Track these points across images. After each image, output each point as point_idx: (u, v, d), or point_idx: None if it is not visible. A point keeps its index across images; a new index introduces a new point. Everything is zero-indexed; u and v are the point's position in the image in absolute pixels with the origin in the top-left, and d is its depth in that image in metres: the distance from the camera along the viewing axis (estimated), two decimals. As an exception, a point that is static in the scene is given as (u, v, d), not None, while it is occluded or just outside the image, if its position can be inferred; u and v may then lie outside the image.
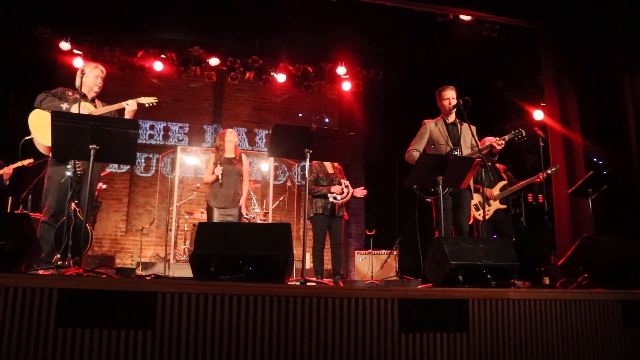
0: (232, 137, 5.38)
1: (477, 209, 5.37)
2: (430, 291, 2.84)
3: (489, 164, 4.78)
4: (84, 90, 4.04)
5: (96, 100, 4.23)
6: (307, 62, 8.74)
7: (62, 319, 2.29)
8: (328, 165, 5.58)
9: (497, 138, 4.57)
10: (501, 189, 5.56)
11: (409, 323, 2.64)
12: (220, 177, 5.15)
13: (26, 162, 5.90)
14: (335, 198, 5.33)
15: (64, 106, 3.95)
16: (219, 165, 5.20)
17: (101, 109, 4.10)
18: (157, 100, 4.27)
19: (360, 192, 5.57)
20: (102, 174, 6.19)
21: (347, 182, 5.48)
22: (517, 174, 5.97)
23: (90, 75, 4.11)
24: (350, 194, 5.43)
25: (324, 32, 7.61)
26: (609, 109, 5.78)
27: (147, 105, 4.23)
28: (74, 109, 3.88)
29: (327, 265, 5.68)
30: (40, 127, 3.84)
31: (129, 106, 4.07)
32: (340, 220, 5.46)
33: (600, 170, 5.07)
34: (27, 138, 3.95)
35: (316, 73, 8.87)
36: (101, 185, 6.84)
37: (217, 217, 5.19)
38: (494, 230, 5.52)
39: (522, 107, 7.77)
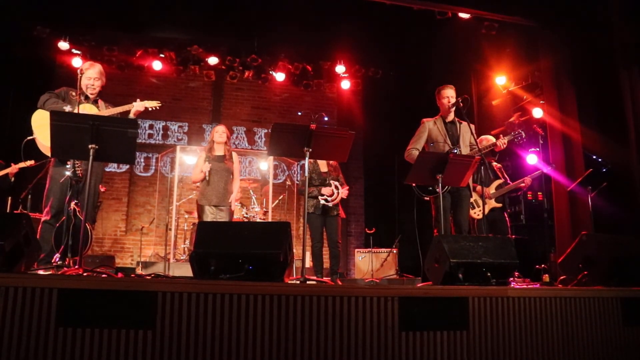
0: (218, 137, 5.30)
1: (473, 208, 5.37)
2: (431, 289, 2.85)
3: (488, 161, 4.78)
4: (83, 89, 4.03)
5: (99, 101, 4.19)
6: (306, 60, 8.73)
7: (62, 319, 2.29)
8: (322, 163, 5.55)
9: (500, 137, 4.59)
10: (497, 188, 5.57)
11: (409, 321, 2.64)
12: (207, 174, 5.11)
13: (28, 163, 5.91)
14: (326, 200, 5.34)
15: (67, 108, 3.92)
16: (207, 162, 5.16)
17: (104, 111, 4.08)
18: (160, 105, 4.28)
19: (345, 192, 5.55)
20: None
21: (337, 183, 5.46)
22: (518, 174, 5.98)
23: (84, 76, 4.05)
24: (339, 196, 5.43)
25: (322, 31, 7.60)
26: (607, 106, 5.77)
27: (150, 109, 4.24)
28: (76, 111, 3.86)
29: (327, 264, 5.67)
30: (43, 127, 3.82)
31: (136, 107, 4.09)
32: (335, 219, 5.43)
33: (600, 167, 5.07)
34: (29, 138, 3.95)
35: (315, 72, 8.86)
36: (100, 187, 6.83)
37: (207, 215, 5.13)
38: (490, 229, 5.52)
39: (521, 105, 7.77)
